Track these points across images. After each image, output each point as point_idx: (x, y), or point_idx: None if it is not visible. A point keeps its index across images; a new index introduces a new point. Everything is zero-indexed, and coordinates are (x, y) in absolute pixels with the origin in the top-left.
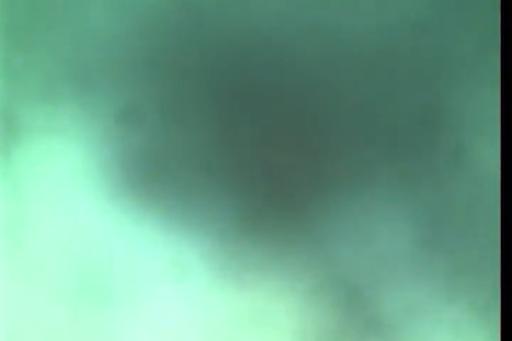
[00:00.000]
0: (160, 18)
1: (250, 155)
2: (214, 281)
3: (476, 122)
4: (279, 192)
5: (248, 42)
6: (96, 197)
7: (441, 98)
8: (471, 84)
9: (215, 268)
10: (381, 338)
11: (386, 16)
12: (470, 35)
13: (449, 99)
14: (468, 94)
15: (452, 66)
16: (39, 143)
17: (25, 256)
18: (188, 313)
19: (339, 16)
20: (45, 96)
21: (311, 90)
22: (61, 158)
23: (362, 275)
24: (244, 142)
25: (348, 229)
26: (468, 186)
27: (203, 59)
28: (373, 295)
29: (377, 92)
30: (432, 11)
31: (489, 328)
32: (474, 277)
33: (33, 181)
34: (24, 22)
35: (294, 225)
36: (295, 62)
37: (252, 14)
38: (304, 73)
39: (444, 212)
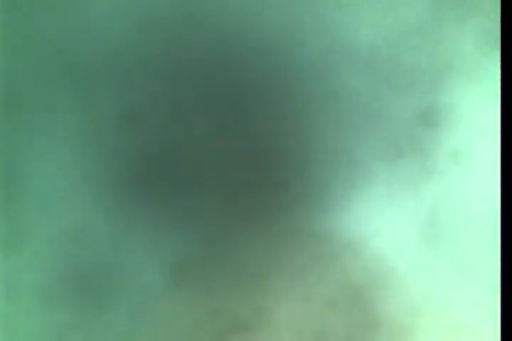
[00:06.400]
0: (160, 18)
1: (250, 153)
2: (213, 282)
3: (475, 122)
4: (277, 191)
5: (249, 43)
6: (95, 197)
7: (441, 98)
8: (471, 84)
9: (214, 269)
10: (381, 338)
11: (386, 17)
12: (470, 35)
13: (449, 99)
14: (468, 94)
15: (452, 66)
16: (39, 143)
17: (24, 255)
18: (187, 313)
19: (339, 17)
20: (45, 97)
21: (310, 90)
22: (61, 157)
23: (362, 275)
24: (244, 141)
25: (348, 228)
26: (468, 186)
27: (204, 59)
28: (373, 295)
29: (377, 92)
30: (432, 12)
31: (489, 328)
32: (474, 277)
33: (32, 181)
34: (24, 22)
35: (293, 225)
36: (295, 62)
37: (253, 14)
38: (303, 73)
39: (443, 212)
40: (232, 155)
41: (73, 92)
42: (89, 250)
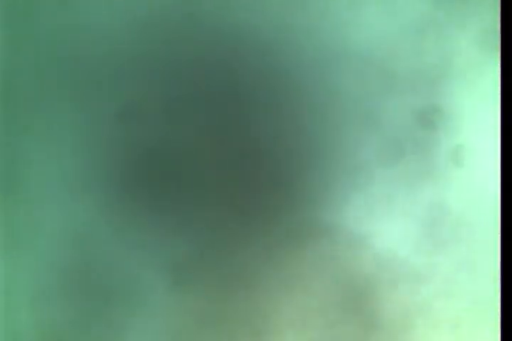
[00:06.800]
0: (159, 18)
1: (250, 154)
2: (211, 282)
3: (476, 122)
4: (277, 192)
5: (247, 44)
6: (95, 197)
7: (441, 98)
8: (471, 84)
9: (212, 269)
10: (381, 338)
11: (386, 17)
12: (470, 35)
13: (449, 99)
14: (468, 94)
15: (452, 66)
16: (38, 143)
17: (24, 255)
18: (186, 314)
19: (339, 18)
20: (44, 97)
21: (310, 90)
22: (60, 158)
23: (362, 275)
24: (243, 141)
25: (349, 228)
26: (469, 186)
27: (203, 59)
28: (373, 295)
29: (377, 92)
30: (431, 11)
31: (489, 328)
32: (474, 277)
33: (32, 182)
34: (23, 22)
35: (293, 226)
36: (295, 63)
37: (251, 15)
38: (303, 73)
39: (443, 212)
40: (232, 155)
41: (72, 92)
42: (89, 250)
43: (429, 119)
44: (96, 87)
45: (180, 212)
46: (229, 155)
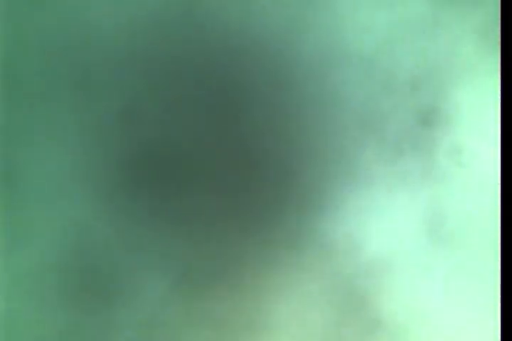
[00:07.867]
0: (161, 19)
1: (250, 154)
2: (212, 282)
3: (475, 122)
4: (277, 191)
5: (248, 44)
6: (94, 197)
7: (441, 98)
8: (471, 84)
9: (214, 270)
10: (382, 338)
11: (386, 16)
12: (470, 35)
13: (449, 99)
14: (468, 94)
15: (452, 66)
16: (39, 143)
17: (23, 256)
18: (186, 313)
19: (339, 16)
20: (45, 96)
21: (311, 90)
22: (60, 157)
23: (362, 276)
24: (244, 140)
25: (348, 229)
26: (468, 186)
27: (204, 59)
28: (373, 296)
29: (377, 92)
30: (432, 11)
31: (489, 328)
32: (474, 277)
33: (32, 181)
34: (24, 22)
35: (292, 225)
36: (296, 63)
37: (251, 16)
38: (304, 73)
39: (443, 212)
40: (232, 155)
41: (73, 92)
42: (91, 250)
43: (430, 119)
44: (96, 87)
45: (180, 212)
46: (229, 155)
